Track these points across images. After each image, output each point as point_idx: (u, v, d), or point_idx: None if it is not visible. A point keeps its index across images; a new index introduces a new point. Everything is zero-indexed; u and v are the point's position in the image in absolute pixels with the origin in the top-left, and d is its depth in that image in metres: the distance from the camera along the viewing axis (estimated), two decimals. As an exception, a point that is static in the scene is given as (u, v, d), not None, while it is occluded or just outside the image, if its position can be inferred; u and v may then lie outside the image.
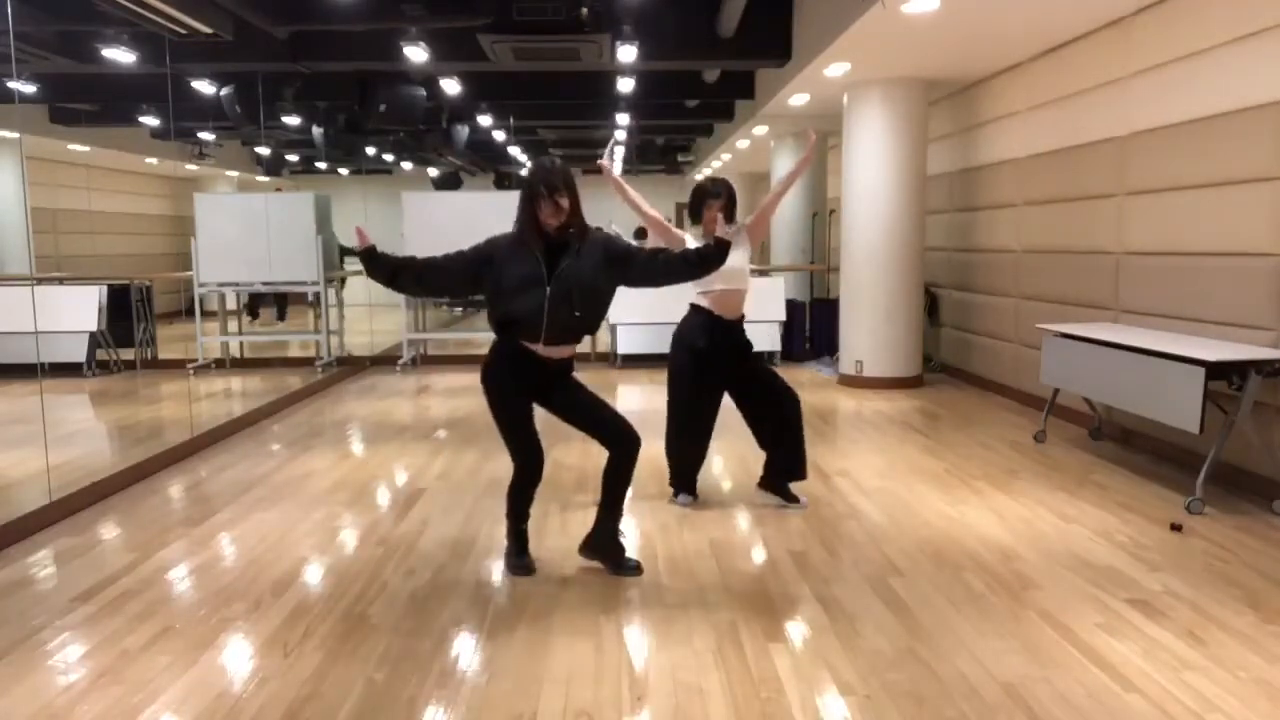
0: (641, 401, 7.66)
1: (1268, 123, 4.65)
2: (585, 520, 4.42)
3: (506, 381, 3.63)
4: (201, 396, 8.48)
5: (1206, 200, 5.12)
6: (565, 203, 3.47)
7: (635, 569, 3.76)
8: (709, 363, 4.51)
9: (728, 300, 4.49)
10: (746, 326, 4.64)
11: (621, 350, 9.61)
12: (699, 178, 4.78)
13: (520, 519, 3.84)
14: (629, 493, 3.83)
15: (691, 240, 4.40)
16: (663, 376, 4.70)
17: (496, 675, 2.89)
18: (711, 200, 4.48)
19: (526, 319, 3.52)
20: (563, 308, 3.50)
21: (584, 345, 9.86)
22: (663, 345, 4.76)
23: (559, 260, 3.51)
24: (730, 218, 4.55)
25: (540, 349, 3.57)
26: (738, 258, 4.43)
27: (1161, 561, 3.82)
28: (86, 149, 11.51)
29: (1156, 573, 3.69)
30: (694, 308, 4.56)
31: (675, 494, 4.77)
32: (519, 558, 3.82)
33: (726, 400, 4.63)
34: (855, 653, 3.02)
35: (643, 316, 9.16)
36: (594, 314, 3.63)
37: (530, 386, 3.65)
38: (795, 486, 4.70)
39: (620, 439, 3.67)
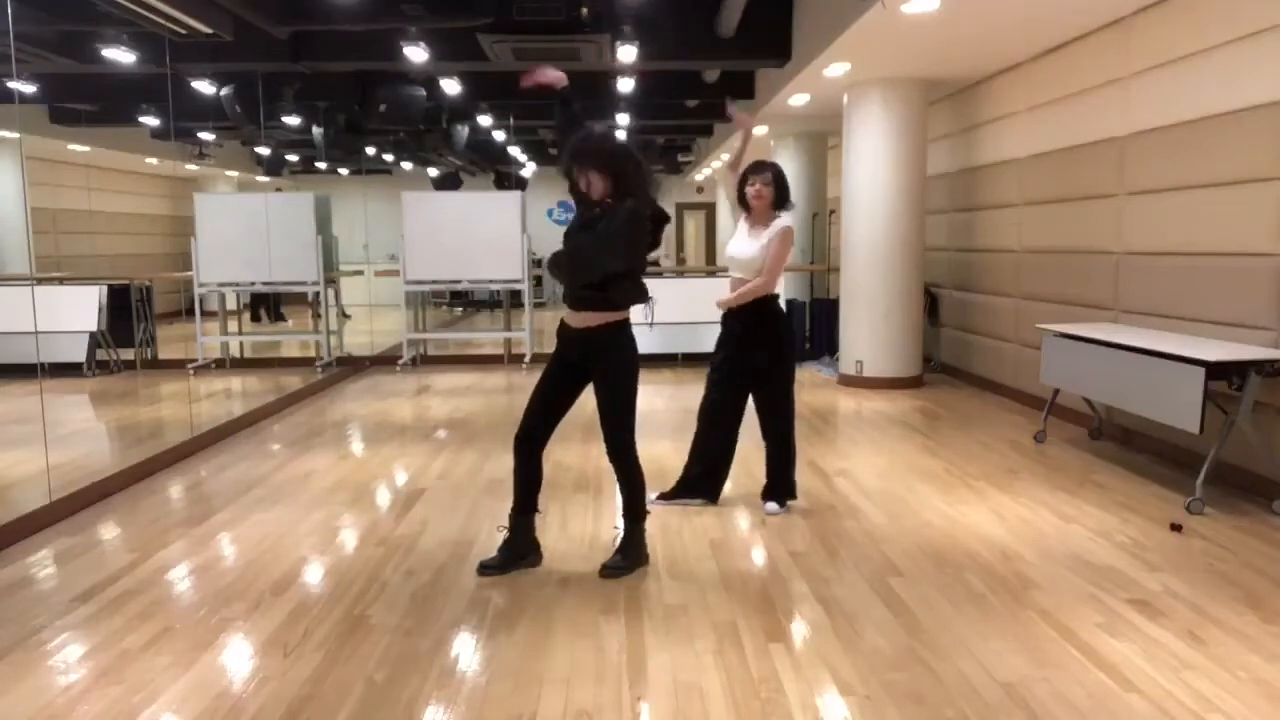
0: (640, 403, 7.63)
1: (1268, 123, 4.65)
2: (585, 520, 4.44)
3: (558, 340, 3.79)
4: (201, 396, 8.48)
5: (1206, 200, 5.12)
6: (587, 180, 3.61)
7: (601, 572, 3.74)
8: (720, 349, 4.55)
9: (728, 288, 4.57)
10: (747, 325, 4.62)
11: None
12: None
13: (517, 491, 3.78)
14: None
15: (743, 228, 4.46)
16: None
17: (496, 675, 2.89)
18: (753, 175, 4.38)
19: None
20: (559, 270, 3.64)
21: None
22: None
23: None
24: (780, 201, 4.41)
25: (566, 313, 3.72)
26: (739, 247, 4.47)
27: (1161, 561, 3.82)
28: (86, 149, 11.50)
29: (1156, 573, 3.69)
30: None
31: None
32: (496, 553, 3.79)
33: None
34: (855, 653, 3.02)
35: (640, 315, 9.07)
36: (577, 272, 3.63)
37: (564, 350, 3.75)
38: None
39: (607, 450, 3.79)
